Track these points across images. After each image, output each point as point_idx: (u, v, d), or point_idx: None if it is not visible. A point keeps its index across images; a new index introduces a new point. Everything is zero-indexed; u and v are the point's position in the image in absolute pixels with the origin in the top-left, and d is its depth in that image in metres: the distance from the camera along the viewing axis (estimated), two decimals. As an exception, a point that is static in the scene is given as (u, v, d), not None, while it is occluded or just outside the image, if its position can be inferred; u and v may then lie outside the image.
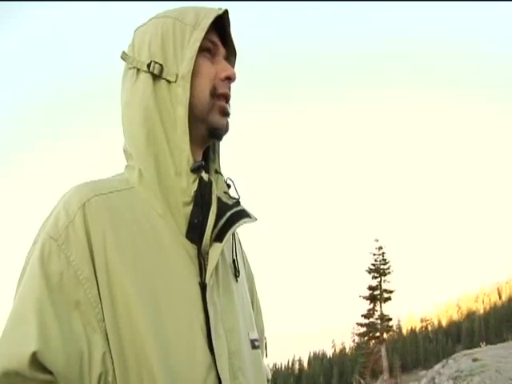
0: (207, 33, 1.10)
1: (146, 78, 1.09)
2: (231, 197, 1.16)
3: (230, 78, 1.13)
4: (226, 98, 1.14)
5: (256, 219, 1.15)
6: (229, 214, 1.09)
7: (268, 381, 1.34)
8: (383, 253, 38.70)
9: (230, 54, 1.21)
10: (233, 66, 1.21)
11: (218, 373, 0.98)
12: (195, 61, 1.08)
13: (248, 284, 1.30)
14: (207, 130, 1.12)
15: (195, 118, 1.09)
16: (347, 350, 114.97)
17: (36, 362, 0.86)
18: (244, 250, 1.36)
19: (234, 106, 1.18)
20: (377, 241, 39.16)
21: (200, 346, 0.99)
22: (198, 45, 1.08)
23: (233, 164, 1.23)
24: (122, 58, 1.14)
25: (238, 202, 1.14)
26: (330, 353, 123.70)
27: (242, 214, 1.12)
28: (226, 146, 1.23)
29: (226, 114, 1.13)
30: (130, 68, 1.13)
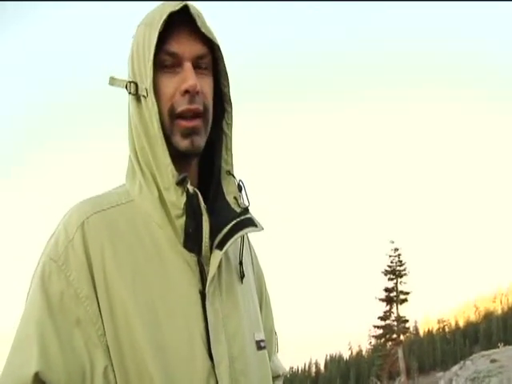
0: (171, 38, 1.07)
1: (131, 97, 1.12)
2: (239, 205, 1.16)
3: (188, 91, 1.07)
4: (188, 113, 1.08)
5: (262, 229, 1.15)
6: (233, 222, 1.11)
7: (279, 376, 1.39)
8: (399, 254, 38.58)
9: (214, 48, 1.14)
10: (221, 58, 1.15)
11: (217, 380, 1.01)
12: (157, 77, 1.07)
13: (257, 282, 1.32)
14: (176, 152, 1.08)
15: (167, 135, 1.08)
16: (364, 352, 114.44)
17: (39, 381, 0.90)
18: (253, 247, 1.37)
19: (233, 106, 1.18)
20: (392, 242, 39.08)
21: (200, 355, 1.01)
22: (151, 56, 1.05)
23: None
24: (109, 84, 1.15)
25: (246, 210, 1.15)
26: (346, 355, 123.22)
27: (248, 223, 1.13)
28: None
29: (187, 135, 1.08)
30: None
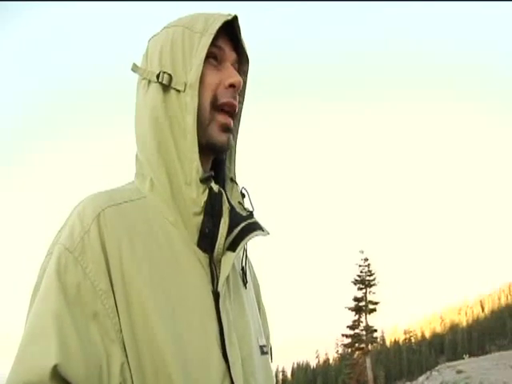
0: (215, 39, 1.09)
1: (156, 88, 1.09)
2: (245, 208, 1.17)
3: (234, 86, 1.10)
4: (229, 107, 1.11)
5: (268, 233, 1.16)
6: (243, 224, 1.11)
7: None
8: (369, 264, 38.95)
9: (243, 62, 1.20)
10: (245, 73, 1.21)
11: (232, 379, 1.00)
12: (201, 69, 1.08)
13: (254, 292, 1.31)
14: (207, 145, 1.09)
15: (199, 130, 1.07)
16: (331, 360, 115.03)
17: (57, 375, 0.86)
18: (249, 258, 1.35)
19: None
20: (362, 252, 39.43)
21: (215, 354, 1.00)
22: (205, 51, 1.07)
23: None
24: (132, 70, 1.15)
25: (251, 214, 1.15)
26: (313, 363, 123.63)
27: (255, 227, 1.13)
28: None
29: (225, 130, 1.10)
30: (142, 79, 1.14)
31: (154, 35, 1.18)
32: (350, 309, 38.11)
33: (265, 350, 1.18)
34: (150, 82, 1.11)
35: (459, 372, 22.19)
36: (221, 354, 1.00)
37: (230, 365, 1.00)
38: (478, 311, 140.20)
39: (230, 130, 1.12)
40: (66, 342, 0.89)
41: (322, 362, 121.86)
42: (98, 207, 1.02)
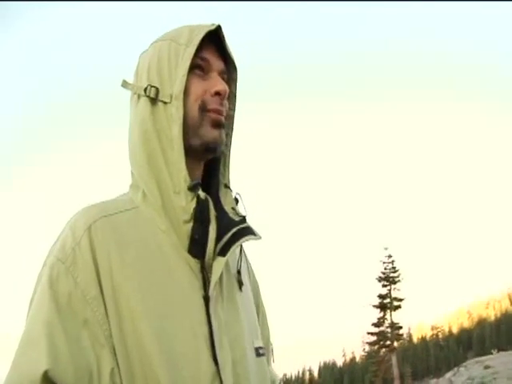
0: (201, 50, 1.13)
1: (144, 102, 1.13)
2: (238, 214, 1.20)
3: (219, 94, 1.14)
4: (217, 113, 1.14)
5: (260, 237, 1.19)
6: (234, 229, 1.14)
7: None
8: (393, 261, 38.66)
9: (231, 70, 1.23)
10: (234, 81, 1.24)
11: (221, 382, 1.02)
12: (187, 80, 1.11)
13: (253, 293, 1.33)
14: (201, 145, 1.13)
15: (190, 135, 1.11)
16: (357, 358, 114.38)
17: (48, 380, 0.90)
18: (248, 259, 1.39)
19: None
20: (386, 249, 39.14)
21: (205, 357, 1.02)
22: (188, 63, 1.11)
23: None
24: (122, 86, 1.19)
25: (244, 219, 1.19)
26: (340, 362, 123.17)
27: (247, 231, 1.16)
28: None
29: (217, 125, 1.14)
30: (133, 94, 1.18)
31: (144, 51, 1.22)
32: (374, 306, 37.87)
33: (261, 352, 1.20)
34: (139, 96, 1.14)
35: (487, 367, 21.90)
36: (211, 358, 1.02)
37: (220, 368, 1.02)
38: (506, 305, 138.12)
39: (222, 126, 1.15)
40: (57, 348, 0.93)
41: (348, 360, 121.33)
42: (89, 219, 1.06)
